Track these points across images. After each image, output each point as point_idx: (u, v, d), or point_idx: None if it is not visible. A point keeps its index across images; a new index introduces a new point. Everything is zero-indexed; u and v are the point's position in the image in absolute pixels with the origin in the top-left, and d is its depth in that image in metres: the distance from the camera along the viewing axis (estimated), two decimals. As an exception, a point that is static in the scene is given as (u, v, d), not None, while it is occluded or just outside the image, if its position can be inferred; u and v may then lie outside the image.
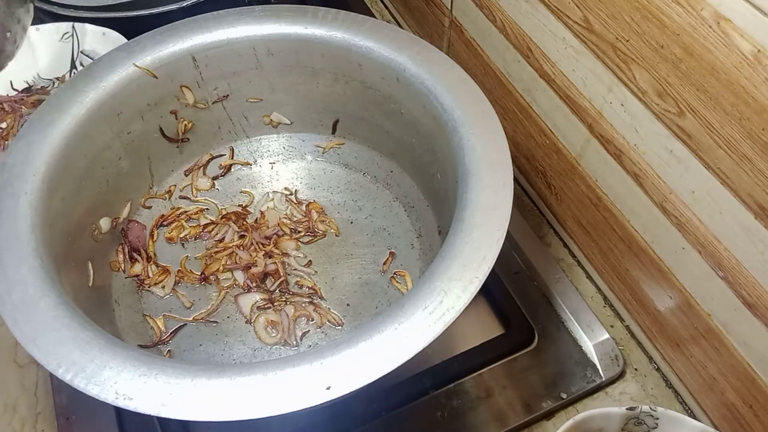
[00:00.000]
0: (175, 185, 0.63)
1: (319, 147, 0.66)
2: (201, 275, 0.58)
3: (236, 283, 0.57)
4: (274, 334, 0.54)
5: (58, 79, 0.72)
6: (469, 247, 0.41)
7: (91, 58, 0.70)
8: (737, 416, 0.48)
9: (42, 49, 0.71)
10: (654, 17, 0.41)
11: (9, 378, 0.55)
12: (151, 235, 0.60)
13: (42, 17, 0.78)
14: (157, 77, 0.55)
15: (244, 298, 0.56)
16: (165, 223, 0.61)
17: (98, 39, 0.70)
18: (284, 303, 0.56)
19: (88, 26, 0.69)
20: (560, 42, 0.52)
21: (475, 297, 0.39)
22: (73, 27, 0.70)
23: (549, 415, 0.53)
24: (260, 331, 0.54)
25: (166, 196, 0.63)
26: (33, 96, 0.71)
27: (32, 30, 0.69)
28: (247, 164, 0.66)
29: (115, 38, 0.68)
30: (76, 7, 0.69)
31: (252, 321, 0.55)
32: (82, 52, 0.70)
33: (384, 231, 0.61)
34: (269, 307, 0.55)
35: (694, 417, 0.52)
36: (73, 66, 0.71)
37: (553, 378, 0.54)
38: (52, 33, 0.71)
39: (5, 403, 0.54)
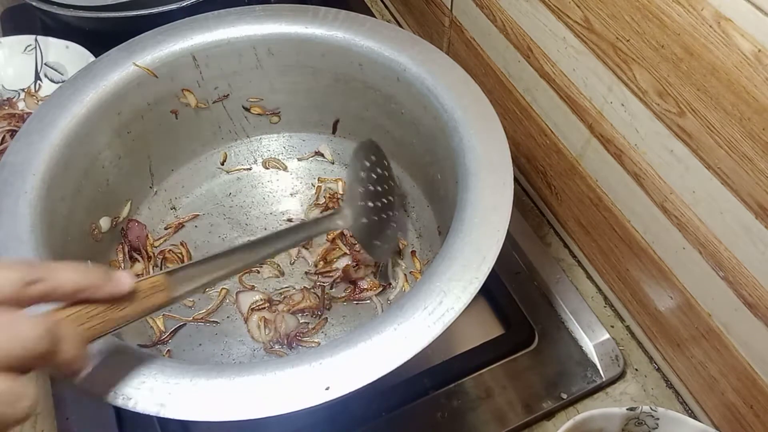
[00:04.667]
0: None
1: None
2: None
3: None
4: (266, 333, 0.54)
5: (23, 90, 0.74)
6: (469, 248, 0.41)
7: (56, 70, 0.73)
8: (738, 416, 0.48)
9: (6, 62, 0.74)
10: (654, 17, 0.41)
11: (9, 378, 0.55)
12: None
13: (42, 18, 0.78)
14: (157, 76, 0.55)
15: (244, 295, 0.56)
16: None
17: (62, 51, 0.72)
18: (278, 303, 0.56)
19: (51, 39, 0.72)
20: (560, 42, 0.52)
21: (476, 297, 0.39)
22: (35, 40, 0.73)
23: (549, 415, 0.53)
24: (253, 329, 0.54)
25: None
26: (1, 110, 0.71)
27: None
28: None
29: (80, 51, 0.71)
30: (76, 7, 0.69)
31: (246, 319, 0.55)
32: (46, 64, 0.73)
33: (384, 231, 0.61)
34: (265, 308, 0.55)
35: (695, 417, 0.52)
36: (37, 77, 0.74)
37: (554, 378, 0.54)
38: (14, 45, 0.73)
39: (5, 402, 0.54)
